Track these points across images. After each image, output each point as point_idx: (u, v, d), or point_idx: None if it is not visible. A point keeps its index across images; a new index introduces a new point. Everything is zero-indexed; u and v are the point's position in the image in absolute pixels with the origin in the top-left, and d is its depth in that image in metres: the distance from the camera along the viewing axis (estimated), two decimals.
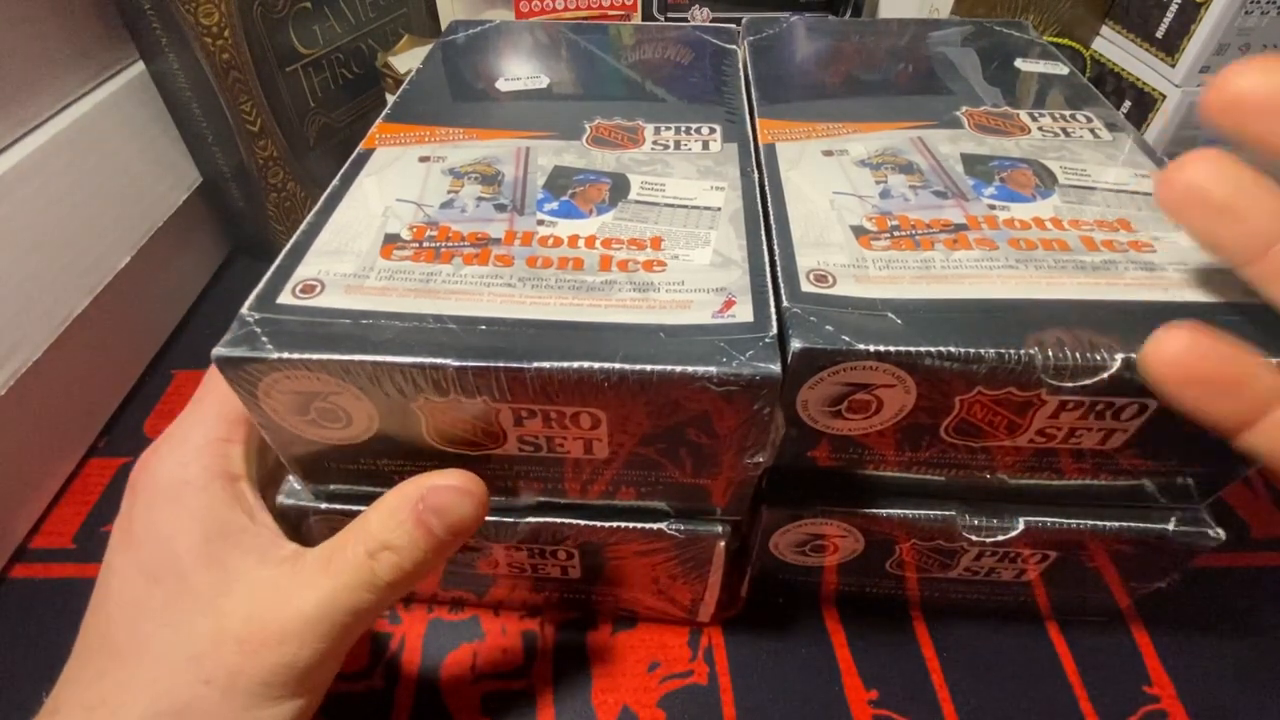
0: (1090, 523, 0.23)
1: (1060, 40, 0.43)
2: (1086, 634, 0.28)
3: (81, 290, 0.33)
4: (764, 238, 0.22)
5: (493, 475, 0.22)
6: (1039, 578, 0.26)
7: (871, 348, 0.18)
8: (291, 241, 0.22)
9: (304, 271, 0.21)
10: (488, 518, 0.23)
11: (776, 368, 0.18)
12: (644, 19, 0.51)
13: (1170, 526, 0.23)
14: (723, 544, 0.23)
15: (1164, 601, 0.26)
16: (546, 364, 0.18)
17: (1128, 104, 0.41)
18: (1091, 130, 0.28)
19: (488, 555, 0.25)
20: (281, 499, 0.24)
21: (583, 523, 0.23)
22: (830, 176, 0.25)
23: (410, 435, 0.20)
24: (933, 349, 0.18)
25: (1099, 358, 0.18)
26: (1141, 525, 0.23)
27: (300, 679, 0.20)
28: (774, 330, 0.19)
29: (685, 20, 0.54)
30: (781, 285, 0.20)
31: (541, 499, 0.23)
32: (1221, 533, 0.23)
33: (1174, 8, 0.38)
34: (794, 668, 0.27)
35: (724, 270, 0.21)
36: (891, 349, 0.18)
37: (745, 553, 0.26)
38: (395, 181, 0.25)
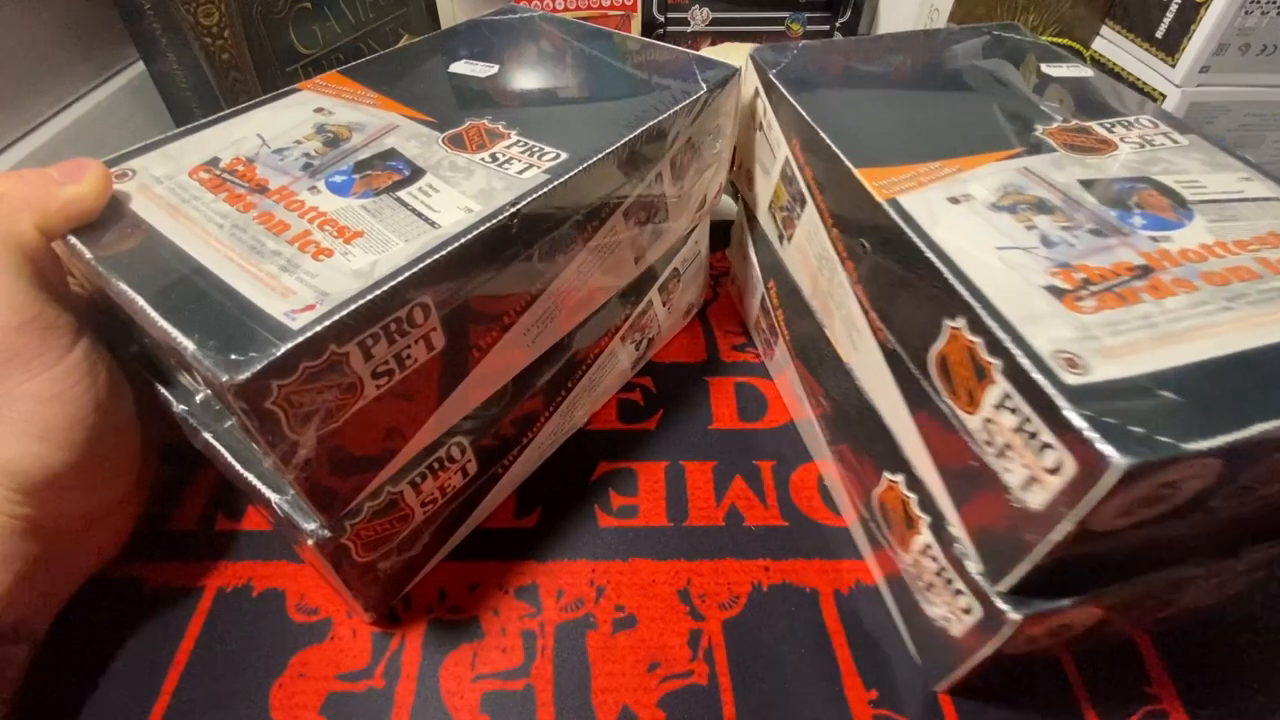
0: None
1: (1060, 40, 0.43)
2: None
3: None
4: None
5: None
6: None
7: (1196, 445, 0.15)
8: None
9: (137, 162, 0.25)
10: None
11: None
12: (644, 18, 0.51)
13: None
14: None
15: None
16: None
17: None
18: (1165, 135, 0.27)
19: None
20: None
21: None
22: (977, 228, 0.23)
23: None
24: (1263, 431, 0.16)
25: None
26: None
27: None
28: None
29: (685, 20, 0.54)
30: (1036, 378, 0.18)
31: None
32: None
33: (1174, 8, 0.38)
34: (794, 668, 0.27)
35: None
36: (1217, 443, 0.16)
37: None
38: (275, 120, 0.27)
